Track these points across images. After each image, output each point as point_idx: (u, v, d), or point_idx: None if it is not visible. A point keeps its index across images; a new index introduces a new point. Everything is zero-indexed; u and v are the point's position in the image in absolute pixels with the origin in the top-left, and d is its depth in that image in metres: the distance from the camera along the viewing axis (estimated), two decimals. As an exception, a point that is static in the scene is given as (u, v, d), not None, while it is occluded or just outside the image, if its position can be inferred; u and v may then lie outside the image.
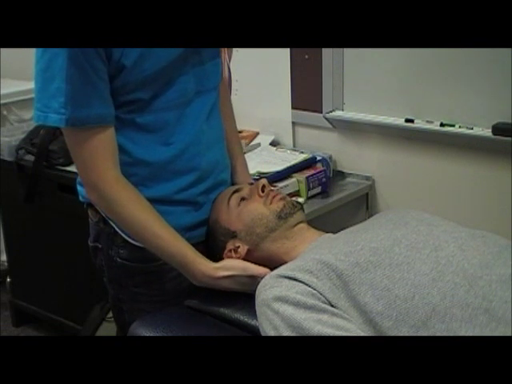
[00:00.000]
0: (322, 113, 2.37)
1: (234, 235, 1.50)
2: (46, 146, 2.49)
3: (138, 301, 1.57)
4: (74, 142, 1.43)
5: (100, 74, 1.37)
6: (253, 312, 1.35)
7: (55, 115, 1.37)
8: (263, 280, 1.34)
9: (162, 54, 1.42)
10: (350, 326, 1.20)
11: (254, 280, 1.41)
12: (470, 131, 2.08)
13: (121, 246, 1.54)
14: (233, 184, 1.69)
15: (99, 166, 1.42)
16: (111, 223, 1.53)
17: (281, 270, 1.33)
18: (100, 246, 1.58)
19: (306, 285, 1.26)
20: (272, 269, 1.38)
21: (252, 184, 1.59)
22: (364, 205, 2.37)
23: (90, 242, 1.62)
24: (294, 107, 2.45)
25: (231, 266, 1.44)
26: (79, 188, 1.58)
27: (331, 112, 2.36)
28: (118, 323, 1.67)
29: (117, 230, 1.53)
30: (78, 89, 1.36)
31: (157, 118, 1.47)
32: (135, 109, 1.45)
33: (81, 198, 1.59)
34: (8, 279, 2.94)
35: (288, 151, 2.36)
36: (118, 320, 1.66)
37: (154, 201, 1.49)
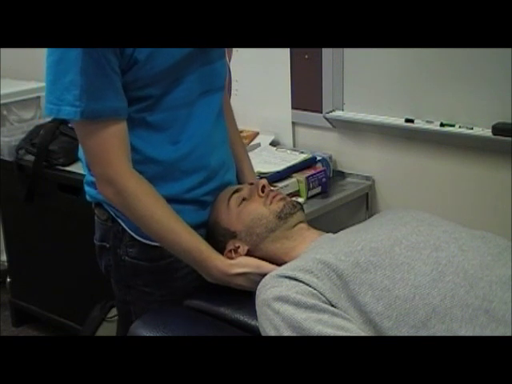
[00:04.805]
0: (322, 113, 2.37)
1: (233, 235, 1.50)
2: (46, 146, 2.49)
3: (147, 301, 1.55)
4: (87, 134, 1.40)
5: (113, 67, 1.37)
6: (253, 312, 1.35)
7: (69, 107, 1.36)
8: (263, 280, 1.34)
9: (173, 52, 1.42)
10: (351, 326, 1.20)
11: None
12: (470, 131, 2.08)
13: (129, 245, 1.53)
14: None
15: (114, 159, 1.40)
16: (119, 221, 1.53)
17: (281, 270, 1.33)
18: (107, 245, 1.57)
19: (307, 285, 1.26)
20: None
21: (252, 184, 1.59)
22: (364, 205, 2.37)
23: (96, 240, 1.60)
24: (294, 107, 2.45)
25: (246, 264, 1.44)
26: (87, 188, 1.57)
27: (331, 112, 2.36)
28: (125, 326, 1.61)
29: (125, 228, 1.52)
30: (93, 81, 1.35)
31: (166, 117, 1.47)
32: (145, 107, 1.45)
33: (88, 198, 1.58)
34: (8, 279, 2.94)
35: (288, 151, 2.36)
36: (125, 323, 1.62)
37: None
